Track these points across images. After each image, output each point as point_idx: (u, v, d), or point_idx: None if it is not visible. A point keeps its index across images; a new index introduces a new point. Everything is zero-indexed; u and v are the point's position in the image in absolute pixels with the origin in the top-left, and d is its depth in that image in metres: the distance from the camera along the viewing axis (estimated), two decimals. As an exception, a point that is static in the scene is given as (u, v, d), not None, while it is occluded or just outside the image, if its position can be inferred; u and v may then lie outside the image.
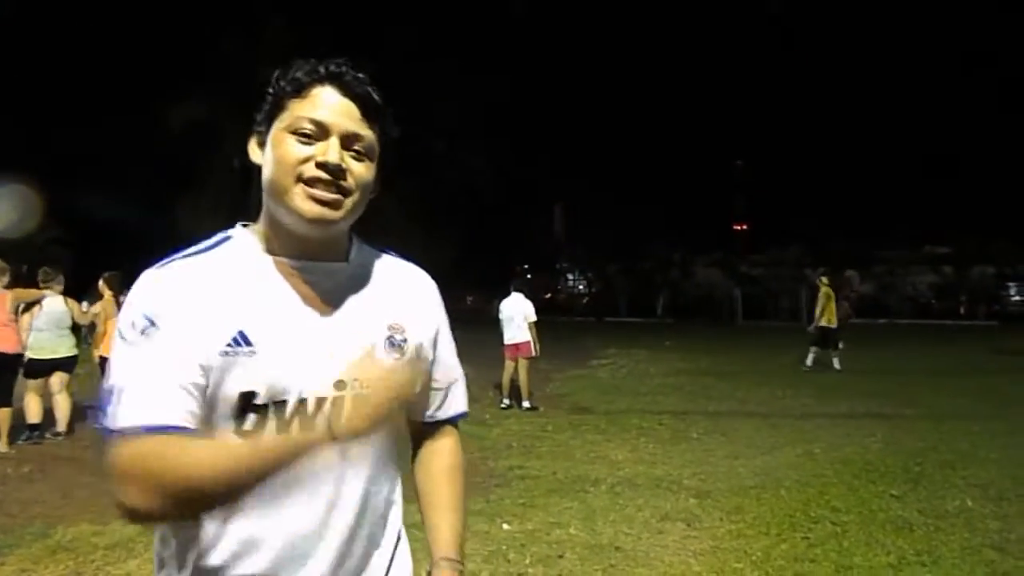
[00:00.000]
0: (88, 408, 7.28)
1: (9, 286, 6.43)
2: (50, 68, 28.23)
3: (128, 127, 25.68)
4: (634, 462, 5.87)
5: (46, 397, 6.82)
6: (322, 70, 1.04)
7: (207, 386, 0.98)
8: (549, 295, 43.03)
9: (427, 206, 26.12)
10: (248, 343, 0.99)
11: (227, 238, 1.10)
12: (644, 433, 7.04)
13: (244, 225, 1.12)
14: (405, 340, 1.13)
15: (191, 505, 0.94)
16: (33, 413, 6.64)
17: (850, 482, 5.13)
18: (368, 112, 1.05)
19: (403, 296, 1.17)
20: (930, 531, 4.11)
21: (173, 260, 1.04)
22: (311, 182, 1.00)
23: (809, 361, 12.34)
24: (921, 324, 29.64)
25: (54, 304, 6.70)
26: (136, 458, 0.91)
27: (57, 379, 6.75)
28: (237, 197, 26.36)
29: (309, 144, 1.01)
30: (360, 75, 1.06)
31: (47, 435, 6.68)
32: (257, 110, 1.09)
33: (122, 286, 7.03)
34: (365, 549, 1.11)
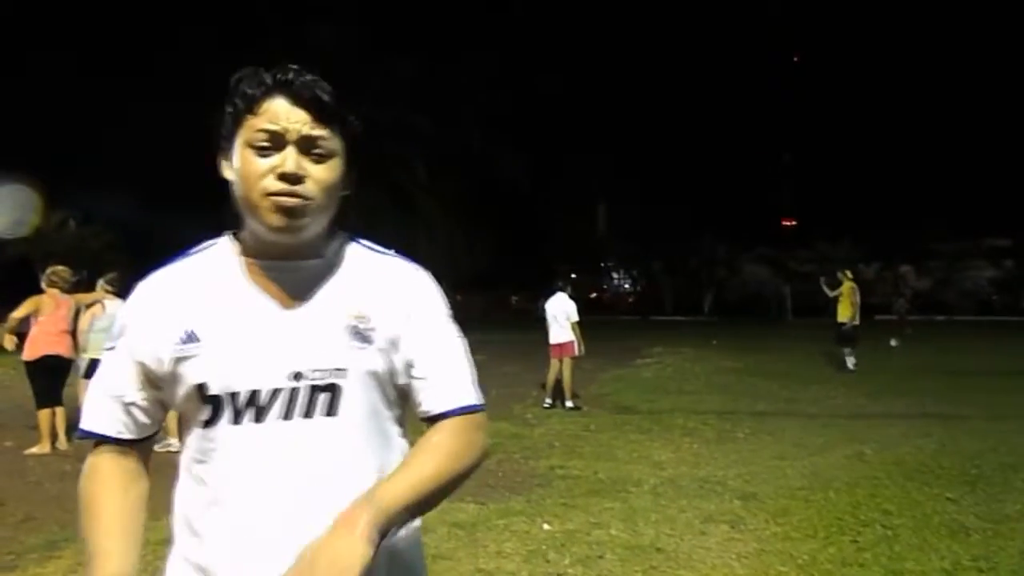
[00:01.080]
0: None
1: (68, 291, 6.70)
2: (97, 77, 29.16)
3: (173, 133, 26.43)
4: (678, 463, 5.79)
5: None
6: (269, 80, 1.05)
7: (162, 388, 1.09)
8: (594, 294, 42.83)
9: (470, 206, 26.23)
10: (196, 339, 1.05)
11: (211, 244, 1.16)
12: (689, 433, 6.94)
13: (232, 233, 1.14)
14: (372, 329, 1.09)
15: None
16: (90, 412, 6.89)
17: (903, 484, 4.97)
18: (322, 114, 1.05)
19: (375, 287, 1.13)
20: (987, 536, 3.96)
21: (159, 269, 1.13)
22: (274, 193, 1.02)
23: (850, 364, 11.87)
24: (981, 320, 28.60)
25: (114, 307, 6.93)
26: (88, 469, 1.13)
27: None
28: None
29: (268, 155, 1.03)
30: (308, 78, 1.06)
31: (103, 434, 6.92)
32: (220, 127, 1.11)
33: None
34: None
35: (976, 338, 19.13)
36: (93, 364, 6.86)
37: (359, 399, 1.07)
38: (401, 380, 1.12)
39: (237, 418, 1.04)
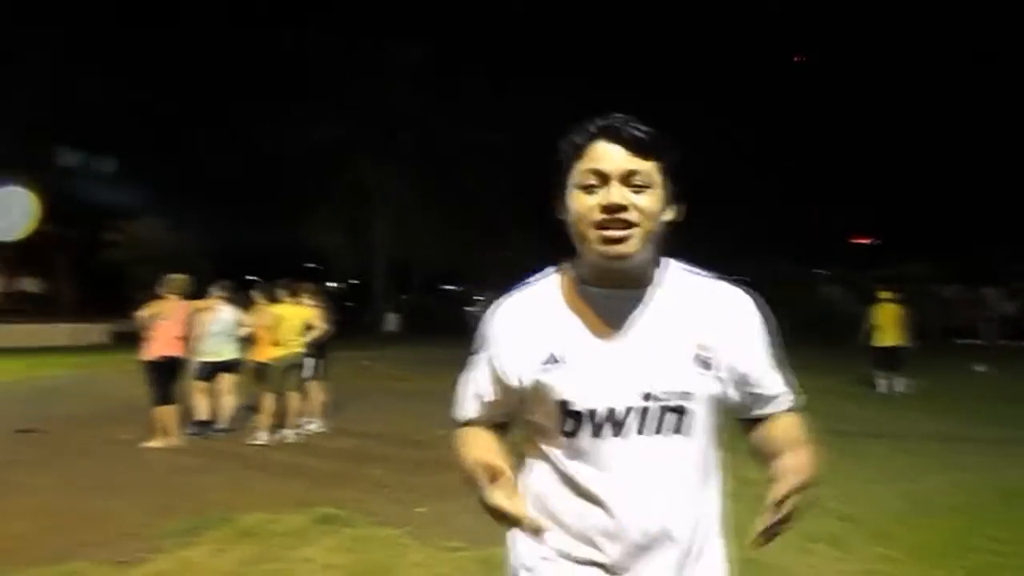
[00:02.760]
0: (245, 408, 7.97)
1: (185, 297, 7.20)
2: (198, 97, 30.59)
3: (262, 149, 27.52)
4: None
5: (213, 397, 7.54)
6: (592, 128, 1.21)
7: (523, 395, 1.29)
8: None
9: (546, 223, 26.40)
10: (557, 360, 1.24)
11: (547, 274, 1.34)
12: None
13: (565, 263, 1.33)
14: (712, 357, 1.25)
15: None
16: (201, 410, 7.36)
17: (1007, 510, 4.89)
18: (639, 148, 1.19)
19: (713, 316, 1.28)
20: (1102, 567, 3.90)
21: (510, 293, 1.35)
22: (602, 225, 1.18)
23: (881, 387, 11.38)
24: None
25: (226, 313, 7.41)
26: (457, 438, 1.39)
27: (226, 380, 7.46)
28: (355, 216, 27.77)
29: (594, 193, 1.19)
30: (623, 117, 1.21)
31: (210, 431, 7.37)
32: (553, 176, 1.28)
33: (273, 297, 7.63)
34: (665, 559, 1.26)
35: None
36: (204, 366, 7.38)
37: (702, 418, 1.25)
38: (735, 398, 1.31)
39: (597, 431, 1.22)
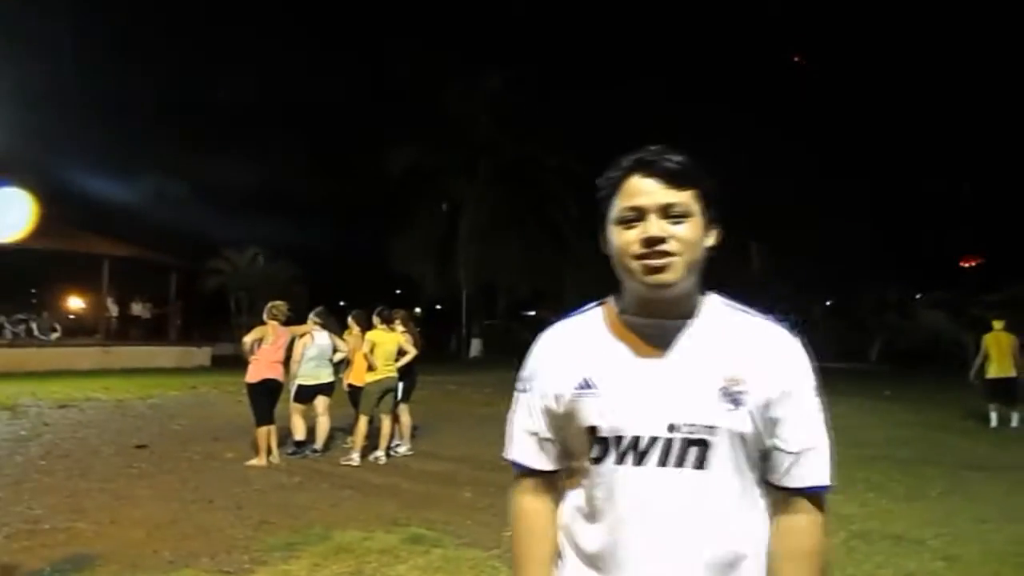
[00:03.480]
0: (338, 430, 8.29)
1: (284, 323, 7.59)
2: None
3: (353, 173, 28.64)
4: (865, 517, 5.58)
5: (309, 419, 7.88)
6: (625, 164, 1.24)
7: (561, 425, 1.28)
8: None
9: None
10: (591, 386, 1.24)
11: (596, 305, 1.35)
12: (873, 488, 6.64)
13: (609, 297, 1.34)
14: (742, 392, 1.19)
15: None
16: (299, 431, 7.70)
17: None
18: (673, 180, 1.20)
19: (748, 352, 1.23)
20: None
21: (557, 323, 1.37)
22: (642, 256, 1.19)
23: (993, 421, 10.60)
24: None
25: (322, 338, 7.78)
26: (511, 495, 1.36)
27: (321, 402, 7.79)
28: (445, 237, 28.44)
29: (634, 227, 1.20)
30: (657, 149, 1.22)
31: (307, 451, 7.69)
32: (594, 214, 1.30)
33: (368, 322, 7.94)
34: None
35: None
36: (301, 389, 7.73)
37: (727, 456, 1.19)
38: (765, 443, 1.22)
39: (621, 459, 1.21)
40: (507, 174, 27.26)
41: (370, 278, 28.94)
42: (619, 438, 1.21)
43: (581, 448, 1.26)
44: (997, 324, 11.03)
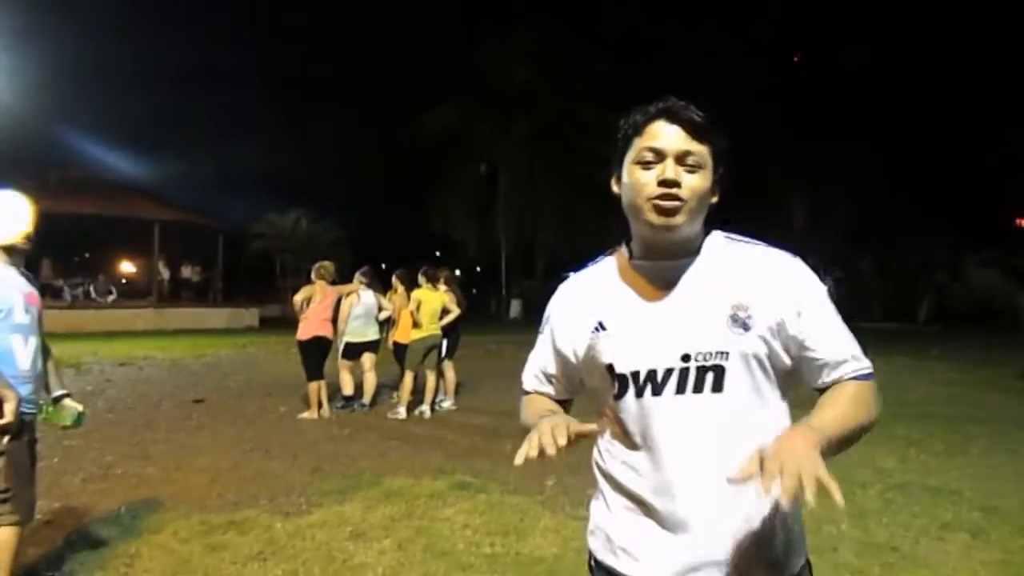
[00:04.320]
0: (384, 386, 8.57)
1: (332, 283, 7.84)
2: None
3: (389, 135, 28.69)
4: (904, 471, 5.64)
5: (356, 374, 8.17)
6: (652, 109, 1.29)
7: (579, 365, 1.40)
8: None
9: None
10: (603, 328, 1.35)
11: (608, 254, 1.44)
12: (913, 443, 6.66)
13: (626, 243, 1.41)
14: (750, 316, 1.27)
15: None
16: (347, 386, 8.00)
17: None
18: (695, 132, 1.26)
19: (752, 278, 1.30)
20: None
21: (575, 273, 1.48)
22: (655, 197, 1.26)
23: None
24: None
25: (368, 297, 8.02)
26: (521, 404, 1.53)
27: (368, 359, 8.07)
28: (483, 198, 28.49)
29: (651, 169, 1.27)
30: (684, 103, 1.28)
31: (355, 405, 7.99)
32: (612, 153, 1.36)
33: (412, 281, 8.15)
34: (723, 515, 1.27)
35: None
36: (348, 347, 7.99)
37: (741, 377, 1.27)
38: (788, 360, 1.31)
39: (640, 393, 1.30)
40: (544, 131, 27.02)
41: (411, 240, 29.27)
42: (635, 373, 1.30)
43: (604, 387, 1.36)
44: None
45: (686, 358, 1.27)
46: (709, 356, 1.27)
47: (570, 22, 27.26)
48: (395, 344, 8.16)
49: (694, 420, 1.28)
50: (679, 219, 1.26)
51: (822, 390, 1.32)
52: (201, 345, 15.63)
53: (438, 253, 29.82)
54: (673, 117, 1.28)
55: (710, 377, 1.27)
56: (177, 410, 8.01)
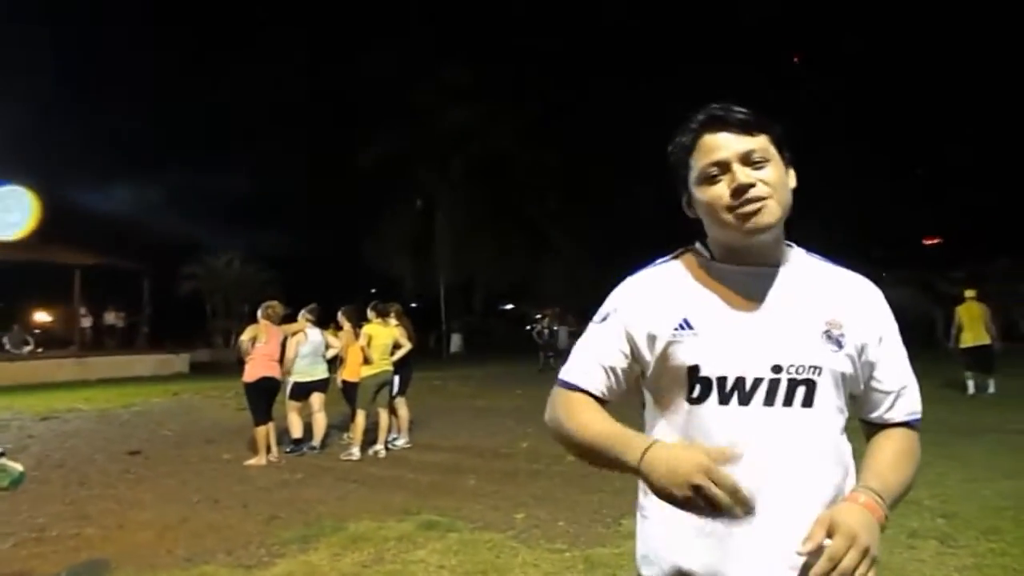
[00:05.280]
0: (332, 427, 8.28)
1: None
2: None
3: (322, 171, 28.33)
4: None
5: (305, 416, 7.87)
6: (695, 125, 1.26)
7: (650, 360, 1.27)
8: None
9: (595, 237, 26.48)
10: (691, 327, 1.24)
11: (678, 254, 1.36)
12: (861, 455, 6.83)
13: (698, 244, 1.35)
14: (843, 335, 1.24)
15: (565, 445, 1.30)
16: (296, 428, 7.69)
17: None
18: (746, 128, 1.22)
19: (843, 298, 1.28)
20: None
21: (642, 271, 1.36)
22: (736, 207, 1.21)
23: (970, 388, 10.95)
24: None
25: (315, 335, 7.77)
26: (556, 402, 1.32)
27: (317, 399, 7.79)
28: (420, 234, 28.35)
29: (719, 181, 1.22)
30: (723, 106, 1.24)
31: (305, 448, 7.68)
32: (672, 186, 1.33)
33: (359, 318, 7.96)
34: (808, 526, 1.13)
35: None
36: (296, 386, 7.71)
37: (831, 394, 1.23)
38: (859, 386, 1.28)
39: (724, 400, 1.21)
40: (480, 168, 27.23)
41: (345, 278, 28.77)
42: (722, 378, 1.22)
43: (677, 388, 1.26)
44: (969, 293, 11.33)
45: (777, 369, 1.21)
46: (802, 369, 1.21)
47: (502, 62, 27.72)
48: (344, 383, 7.92)
49: (782, 434, 1.21)
50: (768, 218, 1.21)
51: (870, 423, 1.32)
52: (129, 394, 14.86)
53: (374, 290, 29.43)
54: (720, 123, 1.24)
55: (801, 391, 1.21)
56: (112, 464, 7.52)
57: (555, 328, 19.45)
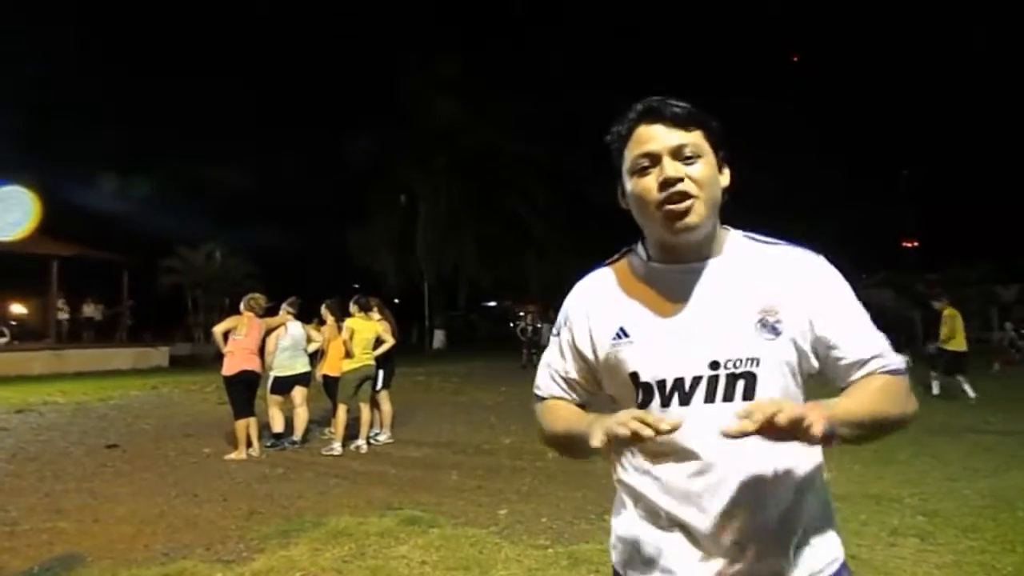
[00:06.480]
0: (313, 422, 8.21)
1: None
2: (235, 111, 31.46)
3: (305, 165, 28.12)
4: (842, 481, 5.76)
5: (286, 410, 7.79)
6: (632, 115, 1.25)
7: (598, 370, 1.33)
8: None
9: (582, 233, 26.46)
10: (627, 335, 1.27)
11: (621, 255, 1.37)
12: (844, 452, 6.87)
13: (634, 245, 1.35)
14: (779, 321, 1.22)
15: (551, 446, 1.42)
16: (277, 423, 7.61)
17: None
18: (681, 122, 1.21)
19: (779, 280, 1.24)
20: None
21: (592, 271, 1.38)
22: (663, 202, 1.20)
23: (935, 389, 11.14)
24: None
25: (295, 329, 7.69)
26: (536, 411, 1.43)
27: (299, 393, 7.71)
28: (404, 229, 28.21)
29: (649, 174, 1.21)
30: (660, 99, 1.23)
31: (286, 443, 7.60)
32: (609, 170, 1.31)
33: (342, 311, 7.86)
34: (751, 524, 1.19)
35: None
36: (277, 381, 7.64)
37: (774, 384, 1.21)
38: (816, 362, 1.25)
39: (666, 402, 1.22)
40: (465, 163, 27.13)
41: (327, 273, 28.60)
42: (661, 382, 1.23)
43: (627, 395, 1.27)
44: (944, 298, 11.60)
45: (715, 365, 1.21)
46: (740, 363, 1.21)
47: (492, 56, 27.65)
48: (325, 377, 7.84)
49: (716, 440, 1.15)
50: (694, 218, 1.20)
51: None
52: (107, 387, 14.66)
53: (356, 285, 29.28)
54: (655, 115, 1.23)
55: (741, 385, 1.21)
56: (88, 457, 7.40)
57: (538, 325, 19.42)
